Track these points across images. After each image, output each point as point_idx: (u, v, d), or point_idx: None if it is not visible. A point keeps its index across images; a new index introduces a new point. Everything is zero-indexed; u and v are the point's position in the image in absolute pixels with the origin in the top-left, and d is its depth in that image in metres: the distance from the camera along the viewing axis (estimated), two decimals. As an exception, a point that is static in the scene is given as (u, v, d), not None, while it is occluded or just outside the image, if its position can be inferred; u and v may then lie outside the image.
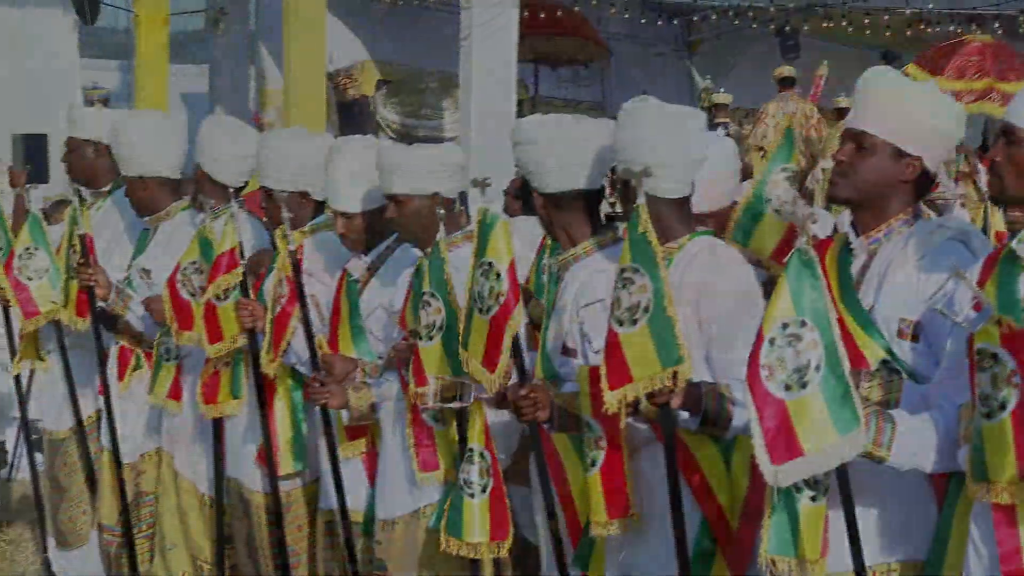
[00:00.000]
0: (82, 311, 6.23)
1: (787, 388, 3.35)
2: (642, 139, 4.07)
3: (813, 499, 3.53)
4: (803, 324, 3.34)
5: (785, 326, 3.36)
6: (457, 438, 4.74)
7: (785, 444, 3.34)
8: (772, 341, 3.36)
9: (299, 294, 5.13)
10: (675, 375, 3.69)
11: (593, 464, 4.11)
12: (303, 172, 5.58)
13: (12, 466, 9.82)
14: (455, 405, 4.57)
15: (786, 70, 17.73)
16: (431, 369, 4.55)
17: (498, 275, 4.17)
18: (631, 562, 4.19)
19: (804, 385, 3.33)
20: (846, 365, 3.33)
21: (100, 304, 6.16)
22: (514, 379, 4.29)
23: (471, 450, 4.51)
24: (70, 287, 6.26)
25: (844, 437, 3.32)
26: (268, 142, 5.67)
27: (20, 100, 19.12)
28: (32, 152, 17.56)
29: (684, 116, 4.19)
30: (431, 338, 4.58)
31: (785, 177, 4.86)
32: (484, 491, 4.51)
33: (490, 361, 4.21)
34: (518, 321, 4.19)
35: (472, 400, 4.48)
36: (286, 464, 5.58)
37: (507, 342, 4.15)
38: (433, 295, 4.60)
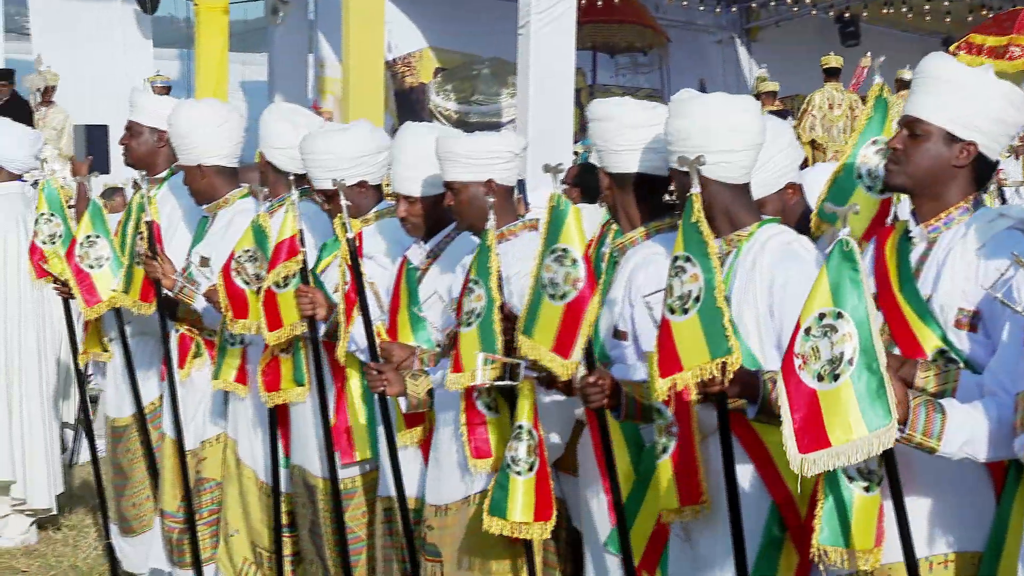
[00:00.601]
0: (147, 297, 6.25)
1: (819, 378, 3.34)
2: (695, 127, 4.07)
3: (867, 489, 3.52)
4: (840, 316, 3.33)
5: (822, 316, 3.35)
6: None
7: (813, 434, 3.33)
8: (808, 331, 3.36)
9: (357, 283, 5.15)
10: (724, 366, 3.68)
11: (664, 451, 4.10)
12: (353, 164, 5.58)
13: (73, 452, 9.91)
14: (504, 384, 4.56)
15: (832, 59, 17.68)
16: (466, 355, 4.55)
17: (574, 261, 4.13)
18: (703, 552, 4.16)
19: (836, 377, 3.32)
20: (882, 360, 3.30)
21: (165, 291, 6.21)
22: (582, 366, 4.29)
23: (520, 427, 4.52)
24: (135, 273, 6.28)
25: (873, 433, 3.29)
26: (310, 146, 5.64)
27: (83, 91, 19.29)
28: (93, 142, 17.74)
29: (737, 102, 4.19)
30: (469, 324, 4.59)
31: (876, 150, 4.71)
32: (531, 470, 4.52)
33: (563, 347, 4.16)
34: (597, 306, 4.17)
35: (522, 380, 4.48)
36: (362, 450, 5.60)
37: (585, 328, 4.12)
38: (476, 282, 4.61)
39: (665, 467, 4.11)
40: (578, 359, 4.13)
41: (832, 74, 17.48)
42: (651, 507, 4.36)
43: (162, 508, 6.55)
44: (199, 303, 6.15)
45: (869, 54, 17.67)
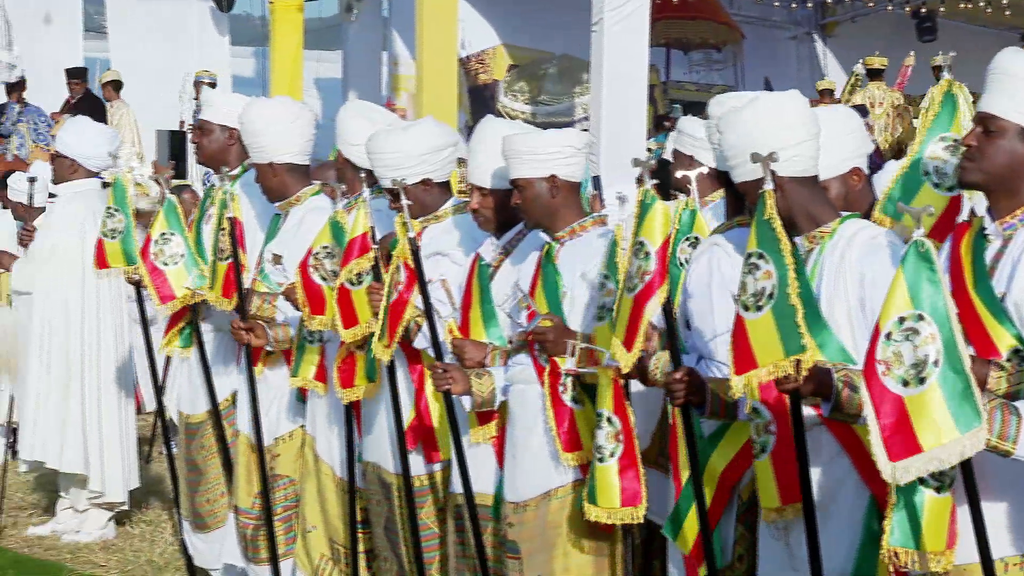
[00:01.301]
0: (228, 293, 6.30)
1: (905, 384, 3.31)
2: (751, 138, 4.08)
3: (938, 490, 3.49)
4: (920, 318, 3.30)
5: (902, 320, 3.32)
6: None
7: (903, 441, 3.30)
8: (889, 336, 3.32)
9: (420, 281, 5.16)
10: (798, 363, 3.66)
11: (763, 450, 4.11)
12: (417, 162, 5.59)
13: (150, 448, 10.01)
14: (588, 370, 4.62)
15: (875, 60, 17.73)
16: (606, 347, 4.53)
17: (647, 254, 4.17)
18: (802, 552, 4.10)
19: (922, 380, 3.29)
20: (966, 360, 3.27)
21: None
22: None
23: (600, 415, 4.58)
24: (217, 268, 6.31)
25: (965, 434, 3.26)
26: (374, 145, 5.66)
27: (158, 89, 19.42)
28: (173, 147, 17.94)
29: (782, 98, 4.21)
30: (602, 319, 4.62)
31: (945, 147, 4.66)
32: (613, 456, 4.58)
33: (628, 339, 4.20)
34: (659, 301, 4.18)
35: (603, 367, 4.52)
36: (444, 450, 5.59)
37: (644, 322, 4.13)
38: (607, 276, 4.64)
39: (764, 466, 4.11)
40: (639, 352, 4.15)
41: (875, 75, 17.63)
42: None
43: (236, 504, 6.58)
44: (285, 309, 6.17)
45: (913, 53, 17.65)
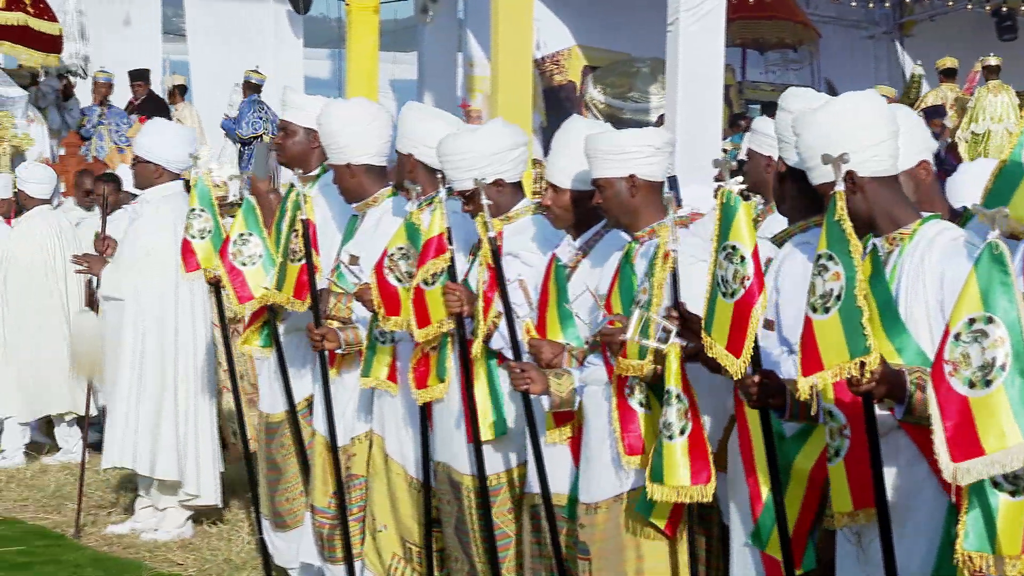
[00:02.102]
0: (300, 294, 6.33)
1: (971, 385, 3.29)
2: (830, 138, 4.05)
3: (1013, 494, 3.45)
4: (990, 320, 3.28)
5: (972, 322, 3.30)
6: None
7: (966, 442, 3.28)
8: (957, 336, 3.31)
9: (499, 281, 5.17)
10: (862, 365, 3.64)
11: (837, 453, 4.07)
12: (488, 162, 5.60)
13: (226, 447, 10.08)
14: (653, 344, 4.59)
15: (948, 61, 17.67)
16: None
17: (743, 258, 4.10)
18: (877, 556, 4.05)
19: (989, 383, 3.27)
20: None
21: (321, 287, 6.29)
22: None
23: (668, 392, 4.56)
24: (288, 270, 6.35)
25: None
26: (446, 147, 5.68)
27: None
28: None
29: (860, 98, 4.19)
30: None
31: None
32: (683, 433, 4.56)
33: (735, 345, 4.14)
34: (764, 305, 4.13)
35: (671, 344, 4.51)
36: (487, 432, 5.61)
37: (753, 326, 4.09)
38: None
39: (838, 470, 4.08)
40: (747, 358, 4.11)
41: (949, 75, 17.56)
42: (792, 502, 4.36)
43: (312, 504, 6.62)
44: (359, 311, 6.21)
45: (993, 55, 17.46)
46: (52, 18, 16.45)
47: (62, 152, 15.86)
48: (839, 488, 4.08)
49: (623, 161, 4.97)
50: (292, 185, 6.39)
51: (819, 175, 4.13)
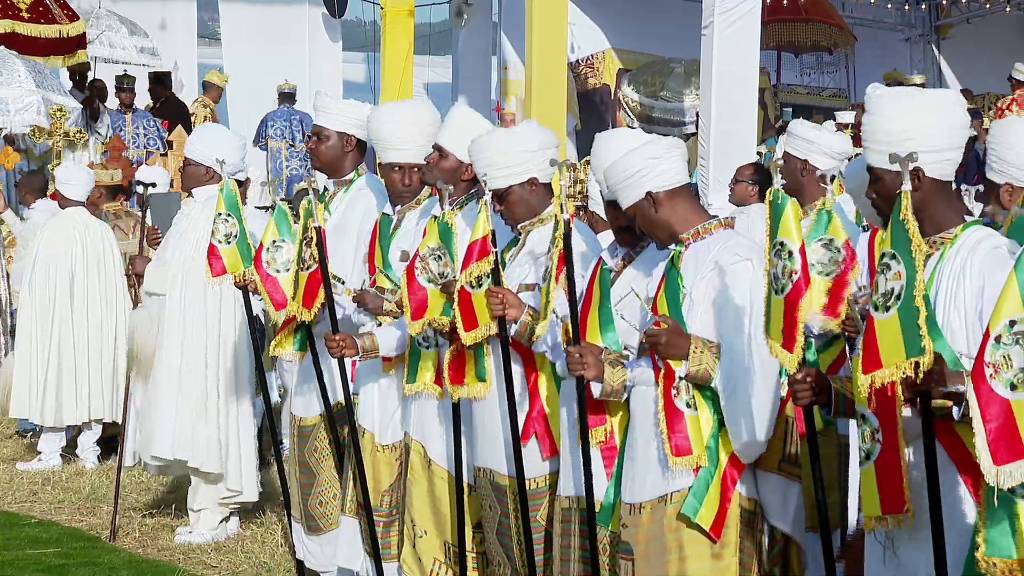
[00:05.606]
0: (308, 303, 6.35)
1: (1012, 387, 3.27)
2: (913, 125, 4.07)
3: (1031, 499, 3.43)
4: None
5: (1012, 324, 3.28)
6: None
7: (1008, 445, 3.26)
8: (998, 339, 3.29)
9: (567, 261, 5.15)
10: (916, 366, 3.63)
11: (868, 457, 4.05)
12: (521, 161, 5.61)
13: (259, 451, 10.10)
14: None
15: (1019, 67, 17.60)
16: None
17: (790, 254, 4.20)
18: (906, 561, 4.08)
19: None
20: None
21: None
22: None
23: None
24: (299, 279, 6.37)
25: None
26: (478, 148, 5.69)
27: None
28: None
29: (951, 97, 4.20)
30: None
31: None
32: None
33: (788, 341, 4.20)
34: (811, 300, 4.20)
35: None
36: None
37: (801, 320, 4.14)
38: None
39: (868, 473, 4.05)
40: (800, 353, 4.15)
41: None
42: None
43: (365, 504, 6.51)
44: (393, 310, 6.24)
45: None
46: (51, 20, 16.54)
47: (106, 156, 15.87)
48: (869, 492, 4.05)
49: (636, 184, 4.97)
50: (306, 192, 6.40)
51: (877, 160, 4.12)
